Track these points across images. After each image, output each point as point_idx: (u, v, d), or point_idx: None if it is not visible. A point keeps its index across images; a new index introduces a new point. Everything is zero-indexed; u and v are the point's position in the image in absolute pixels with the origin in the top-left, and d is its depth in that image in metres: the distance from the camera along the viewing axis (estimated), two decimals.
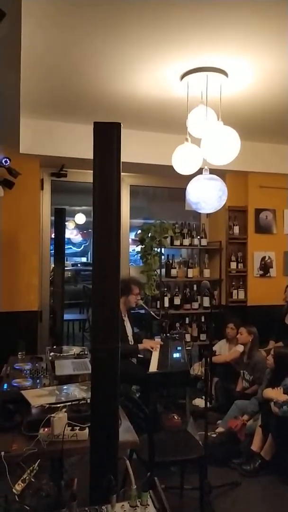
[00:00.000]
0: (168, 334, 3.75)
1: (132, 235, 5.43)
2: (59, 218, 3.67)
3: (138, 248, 4.64)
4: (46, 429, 1.68)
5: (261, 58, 2.61)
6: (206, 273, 4.85)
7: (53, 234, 4.11)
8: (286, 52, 2.54)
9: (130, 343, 3.66)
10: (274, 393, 3.06)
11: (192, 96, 2.91)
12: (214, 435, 3.29)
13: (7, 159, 3.33)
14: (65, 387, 2.12)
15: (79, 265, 11.33)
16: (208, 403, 2.76)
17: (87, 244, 11.55)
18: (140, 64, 2.70)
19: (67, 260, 10.38)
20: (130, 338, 3.72)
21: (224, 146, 2.66)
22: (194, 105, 2.87)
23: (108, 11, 2.13)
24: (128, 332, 3.72)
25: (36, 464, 1.54)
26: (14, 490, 1.48)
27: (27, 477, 1.51)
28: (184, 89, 2.91)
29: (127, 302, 3.69)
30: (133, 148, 3.95)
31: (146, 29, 2.29)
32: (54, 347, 2.90)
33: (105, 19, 2.20)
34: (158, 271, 4.44)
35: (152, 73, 2.82)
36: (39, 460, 1.56)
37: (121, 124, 1.44)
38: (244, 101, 3.31)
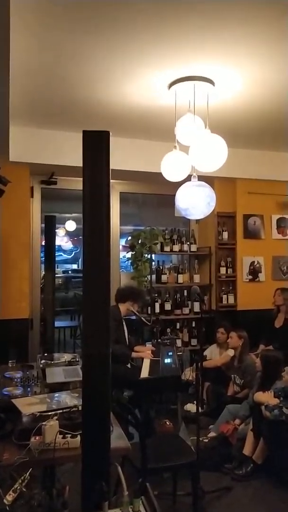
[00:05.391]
0: (159, 340, 3.76)
1: (122, 242, 5.45)
2: (49, 225, 3.67)
3: (129, 255, 4.65)
4: (37, 438, 1.66)
5: (247, 67, 2.68)
6: (196, 278, 4.89)
7: (44, 241, 4.10)
8: (272, 61, 2.61)
9: (127, 345, 3.65)
10: (264, 397, 3.09)
11: (180, 104, 2.96)
12: (206, 440, 3.30)
13: None
14: (56, 394, 2.11)
15: (70, 272, 11.27)
16: (199, 408, 2.78)
17: (77, 251, 11.50)
18: (128, 73, 2.73)
19: (57, 267, 10.33)
20: (127, 342, 3.73)
21: (212, 154, 2.70)
22: (182, 113, 2.91)
23: (97, 21, 2.16)
24: (125, 335, 3.72)
25: (28, 473, 1.52)
26: (5, 501, 1.46)
27: (18, 487, 1.50)
28: (172, 98, 2.95)
29: (130, 308, 3.69)
30: (123, 156, 3.98)
31: (134, 39, 2.32)
32: (45, 354, 2.88)
33: (94, 29, 2.23)
34: (149, 277, 4.46)
35: (140, 82, 2.86)
36: (30, 469, 1.54)
37: (110, 133, 1.46)
38: (231, 109, 3.37)
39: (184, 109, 2.92)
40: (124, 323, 3.76)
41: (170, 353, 3.26)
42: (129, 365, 3.57)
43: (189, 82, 2.77)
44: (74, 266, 11.77)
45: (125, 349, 3.57)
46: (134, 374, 3.17)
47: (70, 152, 3.75)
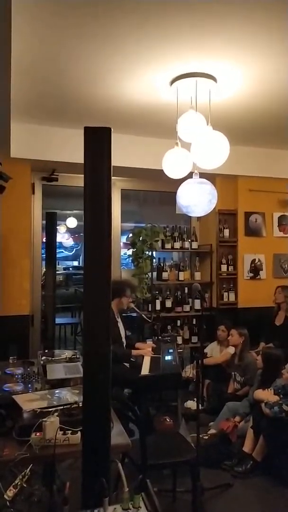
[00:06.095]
0: (160, 337, 3.76)
1: (123, 239, 5.44)
2: (51, 222, 3.67)
3: (130, 252, 4.65)
4: (38, 434, 1.67)
5: (250, 64, 2.66)
6: (197, 275, 4.88)
7: (45, 238, 4.10)
8: (274, 59, 2.59)
9: (123, 345, 3.66)
10: (264, 394, 3.09)
11: (182, 101, 2.94)
12: (206, 437, 3.31)
13: None
14: (57, 391, 2.11)
15: (70, 268, 11.28)
16: (200, 405, 2.78)
17: (78, 247, 11.52)
18: (130, 69, 2.72)
19: (58, 264, 10.33)
20: (124, 340, 3.73)
21: (214, 151, 2.69)
22: (184, 110, 2.90)
23: (99, 17, 2.15)
24: (121, 334, 3.73)
25: (28, 469, 1.53)
26: (5, 496, 1.47)
27: (19, 483, 1.50)
28: (173, 94, 2.94)
29: (120, 304, 3.69)
30: (124, 152, 3.97)
31: (136, 35, 2.31)
32: (46, 351, 2.89)
33: (95, 25, 2.22)
34: (150, 274, 4.45)
35: (142, 78, 2.85)
36: (31, 465, 1.55)
37: (111, 129, 1.46)
38: (233, 106, 3.36)
39: (186, 106, 2.91)
40: (120, 321, 3.76)
41: (171, 351, 3.25)
42: (127, 365, 3.58)
43: (191, 78, 2.75)
44: (75, 263, 11.79)
45: (123, 349, 3.57)
46: (134, 372, 3.17)
47: (71, 148, 3.74)
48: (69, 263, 11.81)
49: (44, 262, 4.15)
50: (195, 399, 3.36)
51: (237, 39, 2.36)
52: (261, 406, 2.96)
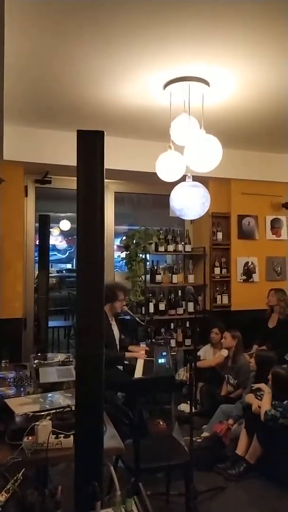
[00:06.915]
0: (153, 340, 3.76)
1: (117, 242, 5.44)
2: (44, 225, 3.66)
3: (123, 254, 4.65)
4: (30, 438, 1.66)
5: (243, 68, 2.69)
6: (191, 278, 4.89)
7: (38, 240, 4.08)
8: (267, 62, 2.62)
9: (117, 348, 3.65)
10: (250, 398, 3.09)
11: (175, 104, 2.96)
12: (200, 440, 3.30)
13: None
14: (49, 394, 2.10)
15: (64, 271, 11.24)
16: (193, 408, 2.78)
17: (72, 250, 11.47)
18: (123, 72, 2.73)
19: (51, 267, 10.29)
20: (118, 343, 3.72)
21: (207, 154, 2.71)
22: (177, 113, 2.92)
23: (92, 20, 2.16)
24: (115, 337, 3.72)
25: (20, 474, 1.52)
26: None
27: (11, 487, 1.49)
28: (167, 98, 2.96)
29: (113, 308, 3.69)
30: (117, 155, 3.97)
31: (130, 38, 2.32)
32: (39, 354, 2.87)
33: (89, 28, 2.23)
34: (143, 277, 4.45)
35: (135, 81, 2.86)
36: (23, 469, 1.54)
37: (104, 132, 1.46)
38: (226, 110, 3.39)
39: (179, 109, 2.92)
40: (115, 323, 3.75)
41: (164, 353, 3.25)
42: (121, 368, 3.57)
43: (184, 82, 2.77)
44: (69, 266, 11.74)
45: (117, 352, 3.57)
46: (127, 375, 3.17)
47: (64, 151, 3.74)
48: (63, 265, 11.76)
49: (37, 265, 4.13)
50: (188, 402, 3.35)
51: (230, 44, 2.39)
52: (259, 412, 2.94)
